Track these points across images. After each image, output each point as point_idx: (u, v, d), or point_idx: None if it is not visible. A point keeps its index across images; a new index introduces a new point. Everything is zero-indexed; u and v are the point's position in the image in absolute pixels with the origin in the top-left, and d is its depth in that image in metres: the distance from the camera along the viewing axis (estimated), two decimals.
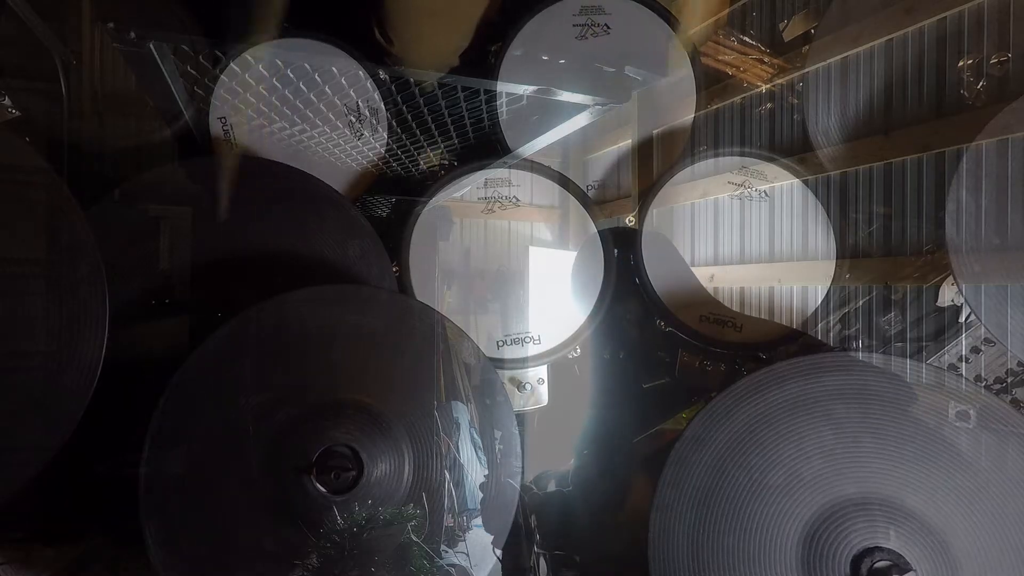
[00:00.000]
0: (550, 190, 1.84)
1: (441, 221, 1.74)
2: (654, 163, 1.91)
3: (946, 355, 1.51)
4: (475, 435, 1.31)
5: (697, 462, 1.24)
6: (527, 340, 1.76)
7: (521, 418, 1.74)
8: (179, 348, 1.20)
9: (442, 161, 1.86)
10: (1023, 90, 1.31)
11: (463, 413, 1.31)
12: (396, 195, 1.80)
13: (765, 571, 1.17)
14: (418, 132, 1.74)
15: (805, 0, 1.83)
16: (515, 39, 1.65)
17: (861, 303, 1.63)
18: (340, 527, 1.17)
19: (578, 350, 1.84)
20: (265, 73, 1.54)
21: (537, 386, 1.80)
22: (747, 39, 1.90)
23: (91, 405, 1.11)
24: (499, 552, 1.30)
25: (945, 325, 1.51)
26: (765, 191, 1.76)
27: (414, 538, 1.21)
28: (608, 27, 1.70)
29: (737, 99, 1.91)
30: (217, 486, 1.18)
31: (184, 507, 1.16)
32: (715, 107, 1.94)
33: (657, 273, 1.77)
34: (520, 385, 1.78)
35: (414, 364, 1.31)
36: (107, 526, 1.36)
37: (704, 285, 1.80)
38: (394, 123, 1.67)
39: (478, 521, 1.29)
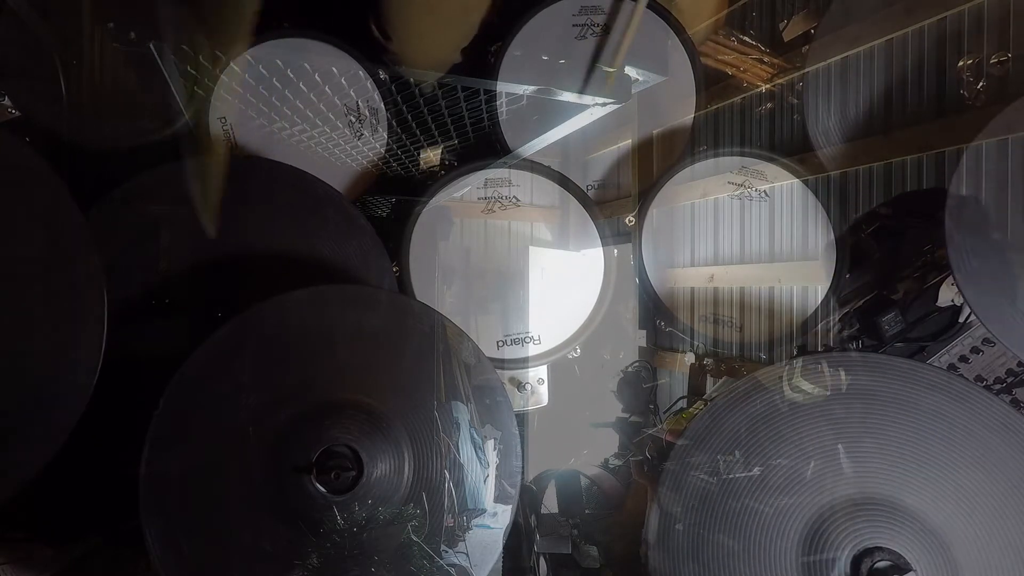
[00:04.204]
0: (550, 190, 1.84)
1: (441, 221, 1.74)
2: (654, 163, 1.91)
3: (946, 355, 1.51)
4: (475, 435, 1.31)
5: (697, 462, 1.24)
6: (527, 340, 1.77)
7: (521, 418, 1.74)
8: (179, 348, 1.20)
9: (442, 161, 1.86)
10: (1023, 90, 1.31)
11: (463, 413, 1.31)
12: (396, 195, 1.80)
13: (765, 571, 1.17)
14: (418, 132, 1.74)
15: (805, 0, 1.83)
16: (515, 39, 1.65)
17: (861, 303, 1.63)
18: (340, 527, 1.17)
19: (578, 350, 1.84)
20: (265, 73, 1.54)
21: (537, 386, 1.80)
22: (747, 39, 1.90)
23: (91, 405, 1.11)
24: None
25: (945, 325, 1.51)
26: (765, 191, 1.76)
27: (414, 538, 1.21)
28: (608, 27, 1.70)
29: (737, 99, 1.91)
30: (217, 486, 1.18)
31: (184, 507, 1.15)
32: (715, 107, 1.94)
33: (657, 273, 1.77)
34: (520, 385, 1.78)
35: (414, 364, 1.31)
36: (107, 526, 1.36)
37: (704, 285, 1.80)
38: (394, 123, 1.67)
39: (478, 521, 1.29)
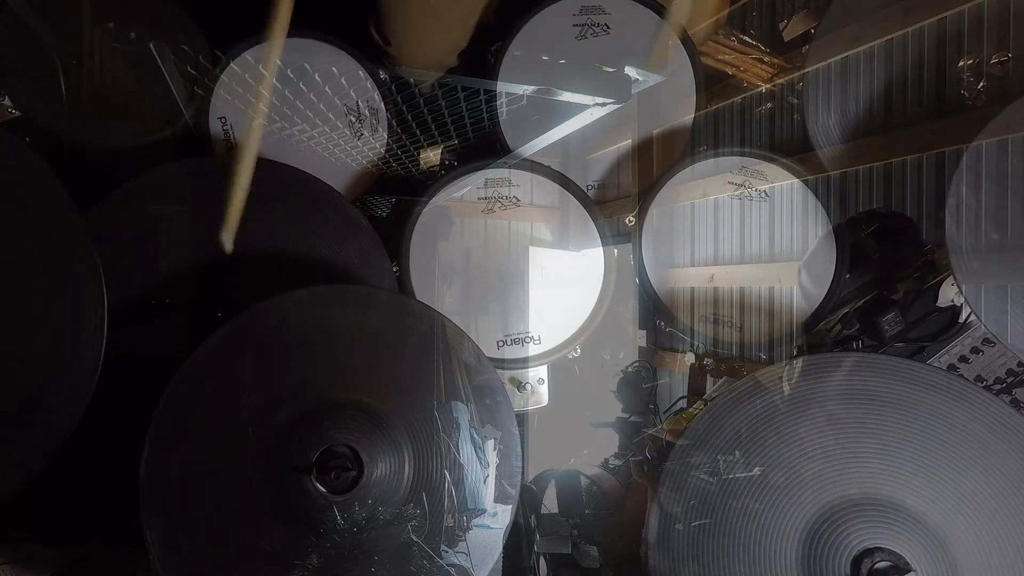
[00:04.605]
0: (550, 190, 1.84)
1: (441, 221, 1.74)
2: (654, 163, 1.91)
3: (946, 355, 1.51)
4: (475, 435, 1.31)
5: (697, 462, 1.24)
6: (527, 340, 1.77)
7: (521, 418, 1.74)
8: (179, 348, 1.20)
9: (442, 161, 1.86)
10: (1023, 90, 1.31)
11: (463, 413, 1.31)
12: (396, 195, 1.80)
13: (765, 571, 1.17)
14: (418, 132, 1.74)
15: (805, 0, 1.83)
16: (515, 39, 1.65)
17: (861, 303, 1.63)
18: (340, 527, 1.17)
19: (578, 350, 1.84)
20: (265, 73, 1.54)
21: (537, 386, 1.80)
22: (747, 39, 1.89)
23: (91, 405, 1.11)
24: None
25: (945, 325, 1.51)
26: (765, 191, 1.76)
27: (414, 538, 1.21)
28: (608, 27, 1.70)
29: (737, 99, 1.91)
30: (217, 486, 1.18)
31: (184, 507, 1.16)
32: (715, 107, 1.94)
33: (657, 273, 1.77)
34: (520, 385, 1.78)
35: (414, 364, 1.31)
36: (107, 526, 1.36)
37: (704, 285, 1.80)
38: (394, 123, 1.67)
39: (478, 521, 1.29)
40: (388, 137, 1.67)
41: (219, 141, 1.57)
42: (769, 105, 1.87)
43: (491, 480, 1.32)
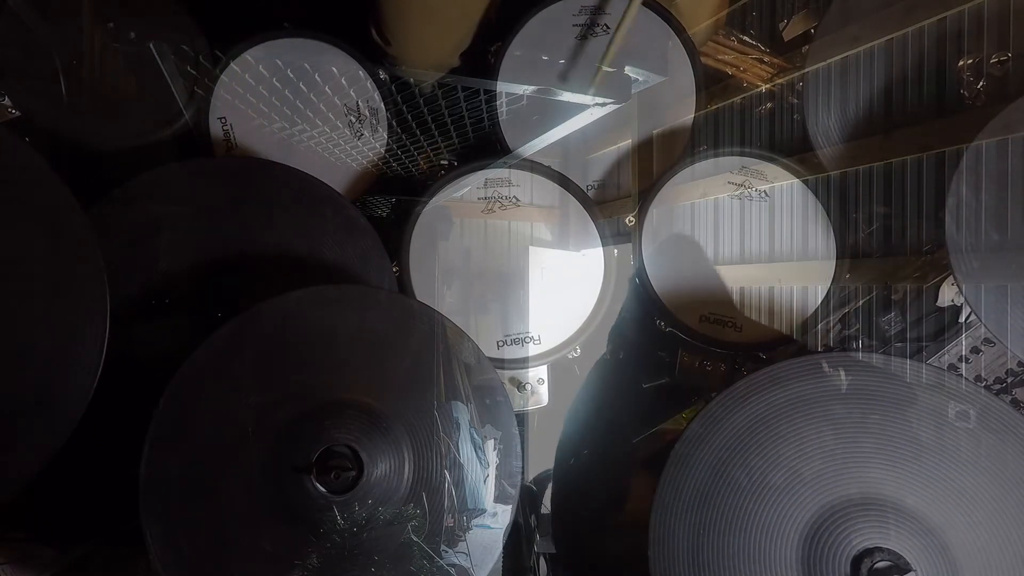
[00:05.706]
0: (550, 190, 1.84)
1: (441, 221, 1.74)
2: (654, 163, 1.91)
3: (946, 355, 1.51)
4: (475, 435, 1.31)
5: (697, 462, 1.24)
6: (527, 340, 1.76)
7: (521, 418, 1.74)
8: (179, 348, 1.20)
9: (442, 161, 1.86)
10: (1023, 90, 1.31)
11: (463, 413, 1.31)
12: (396, 195, 1.80)
13: (765, 571, 1.17)
14: (418, 132, 1.75)
15: (805, 0, 1.83)
16: (515, 39, 1.65)
17: (861, 303, 1.63)
18: (340, 527, 1.17)
19: (578, 350, 1.84)
20: (265, 73, 1.54)
21: (537, 386, 1.80)
22: (747, 39, 1.89)
23: (91, 405, 1.11)
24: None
25: (945, 325, 1.51)
26: (765, 191, 1.76)
27: (414, 538, 1.21)
28: (608, 27, 1.70)
29: (737, 99, 1.91)
30: (217, 486, 1.18)
31: (184, 507, 1.16)
32: (715, 107, 1.94)
33: (657, 273, 1.77)
34: (520, 385, 1.78)
35: (414, 364, 1.31)
36: (107, 526, 1.36)
37: (706, 285, 1.80)
38: (394, 123, 1.67)
39: (478, 521, 1.29)
40: (388, 137, 1.67)
41: (219, 141, 1.57)
42: (769, 105, 1.87)
43: (491, 480, 1.32)
